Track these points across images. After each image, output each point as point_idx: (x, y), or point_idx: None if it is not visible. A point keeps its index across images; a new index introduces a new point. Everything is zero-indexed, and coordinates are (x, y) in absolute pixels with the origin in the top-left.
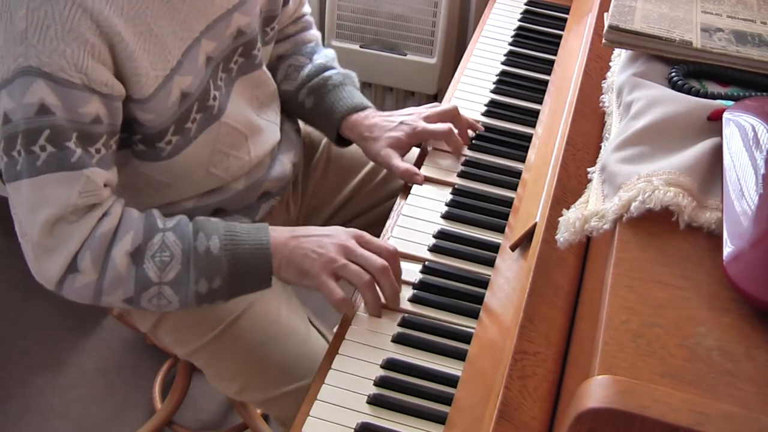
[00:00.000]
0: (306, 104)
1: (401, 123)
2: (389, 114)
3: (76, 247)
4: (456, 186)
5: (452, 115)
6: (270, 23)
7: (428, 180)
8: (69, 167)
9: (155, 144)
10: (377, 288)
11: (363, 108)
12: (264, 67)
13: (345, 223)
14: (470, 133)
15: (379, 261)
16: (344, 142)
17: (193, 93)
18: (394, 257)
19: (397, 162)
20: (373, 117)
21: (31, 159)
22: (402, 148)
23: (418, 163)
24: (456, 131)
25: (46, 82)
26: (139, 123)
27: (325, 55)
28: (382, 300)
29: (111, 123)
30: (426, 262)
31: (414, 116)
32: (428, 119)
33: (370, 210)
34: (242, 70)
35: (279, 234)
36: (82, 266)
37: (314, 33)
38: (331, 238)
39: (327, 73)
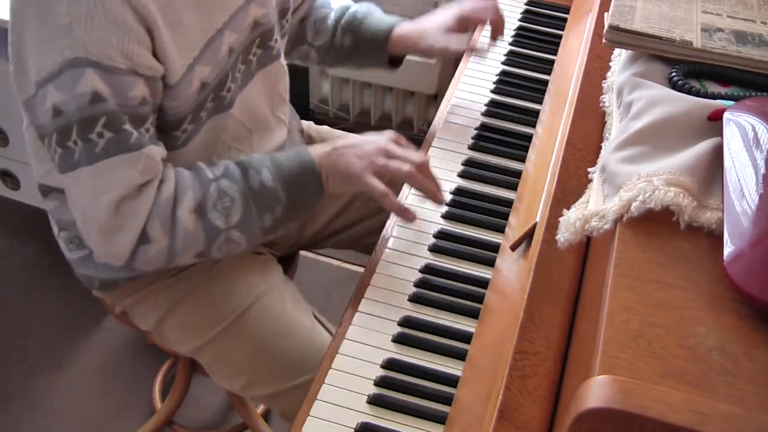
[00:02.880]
0: (345, 43)
1: (443, 16)
2: (423, 17)
3: (144, 219)
4: (456, 186)
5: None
6: (284, 15)
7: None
8: (128, 149)
9: (172, 132)
10: (421, 176)
11: (397, 23)
12: (282, 60)
13: (344, 229)
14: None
15: (417, 157)
16: (395, 64)
17: (210, 83)
18: (426, 161)
19: (455, 45)
20: (412, 24)
21: (90, 147)
22: (453, 33)
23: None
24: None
25: (95, 71)
26: (163, 109)
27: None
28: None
29: (154, 102)
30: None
31: (454, 6)
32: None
33: (370, 217)
34: (261, 62)
35: (321, 150)
36: (153, 235)
37: None
38: (369, 143)
39: (351, 10)
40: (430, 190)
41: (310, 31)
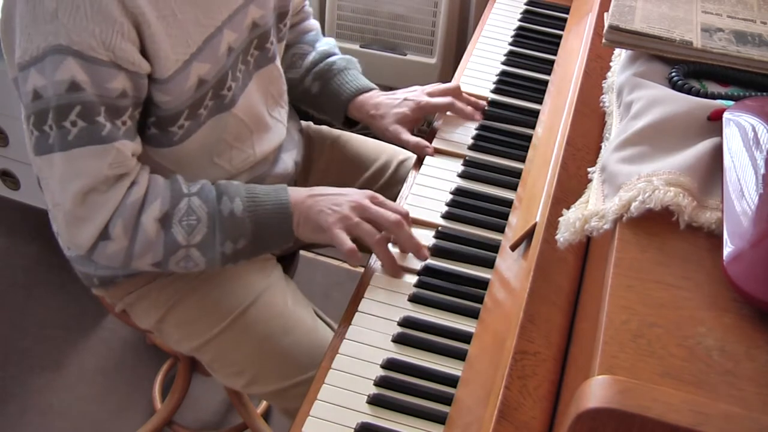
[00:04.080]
0: (312, 89)
1: (405, 99)
2: (393, 92)
3: (108, 215)
4: (456, 186)
5: (454, 91)
6: (282, 19)
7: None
8: (99, 141)
9: (167, 128)
10: (388, 250)
11: (368, 90)
12: (277, 62)
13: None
14: (482, 103)
15: (393, 215)
16: (350, 124)
17: (209, 80)
18: (406, 218)
19: (407, 136)
20: (377, 96)
21: (63, 134)
22: (408, 123)
23: (429, 138)
24: (458, 103)
25: (76, 60)
26: (156, 104)
27: (326, 43)
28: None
29: (135, 95)
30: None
31: (417, 92)
32: (431, 94)
33: None
34: (258, 63)
35: (297, 194)
36: (113, 234)
37: (314, 22)
38: (346, 197)
39: (331, 59)
40: (408, 248)
41: (286, 61)
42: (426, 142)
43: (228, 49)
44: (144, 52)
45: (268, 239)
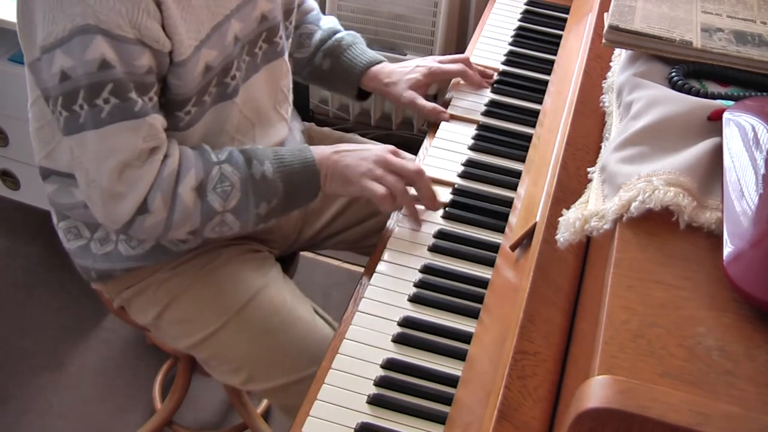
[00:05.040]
0: (323, 66)
1: (417, 66)
2: (404, 62)
3: (146, 190)
4: (456, 186)
5: (465, 60)
6: (288, 17)
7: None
8: (133, 116)
9: (175, 112)
10: (412, 200)
11: (379, 62)
12: (286, 57)
13: (343, 231)
14: (491, 72)
15: (414, 165)
16: (362, 97)
17: (215, 68)
18: (422, 171)
19: (422, 102)
20: (389, 66)
21: (95, 112)
22: (421, 88)
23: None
24: (469, 71)
25: (104, 39)
26: (167, 86)
27: (330, 20)
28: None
29: (159, 72)
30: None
31: (428, 59)
32: (442, 62)
33: (369, 219)
34: (267, 57)
35: (322, 151)
36: (153, 207)
37: (313, 3)
38: (370, 151)
39: (338, 35)
40: (425, 197)
41: (294, 42)
42: (442, 108)
43: (234, 38)
44: (166, 33)
45: (300, 196)
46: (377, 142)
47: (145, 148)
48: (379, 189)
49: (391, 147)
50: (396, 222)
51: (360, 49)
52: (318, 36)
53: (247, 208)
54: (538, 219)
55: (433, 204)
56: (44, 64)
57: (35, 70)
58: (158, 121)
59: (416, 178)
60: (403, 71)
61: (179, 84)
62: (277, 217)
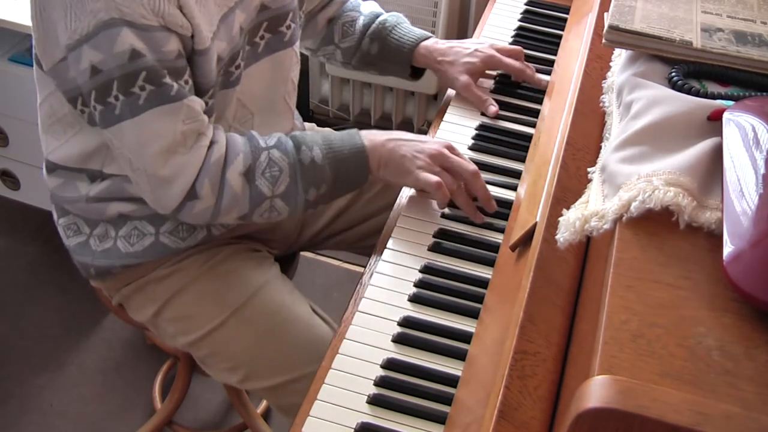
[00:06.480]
0: (372, 50)
1: (476, 50)
2: (462, 41)
3: (193, 176)
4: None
5: (520, 54)
6: (301, 6)
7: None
8: (170, 100)
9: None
10: (468, 197)
11: (427, 37)
12: (295, 47)
13: (343, 231)
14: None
15: (471, 165)
16: (416, 75)
17: (224, 59)
18: (478, 172)
19: (477, 91)
20: (443, 42)
21: (132, 100)
22: (476, 74)
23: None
24: (528, 71)
25: (131, 30)
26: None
27: (369, 5)
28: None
29: (187, 57)
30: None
31: (486, 45)
32: (499, 51)
33: (369, 219)
34: (271, 47)
35: (374, 137)
36: (201, 193)
37: None
38: (427, 144)
39: (381, 18)
40: (482, 197)
41: (338, 32)
42: (492, 101)
43: (240, 28)
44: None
45: (348, 182)
46: (434, 138)
47: (186, 130)
48: (434, 179)
49: (447, 142)
50: (396, 222)
51: (406, 28)
52: (361, 22)
53: (296, 193)
54: (538, 219)
55: (491, 205)
56: (71, 61)
57: (59, 71)
58: (196, 103)
59: (472, 179)
60: (462, 52)
61: (198, 74)
62: (326, 203)
